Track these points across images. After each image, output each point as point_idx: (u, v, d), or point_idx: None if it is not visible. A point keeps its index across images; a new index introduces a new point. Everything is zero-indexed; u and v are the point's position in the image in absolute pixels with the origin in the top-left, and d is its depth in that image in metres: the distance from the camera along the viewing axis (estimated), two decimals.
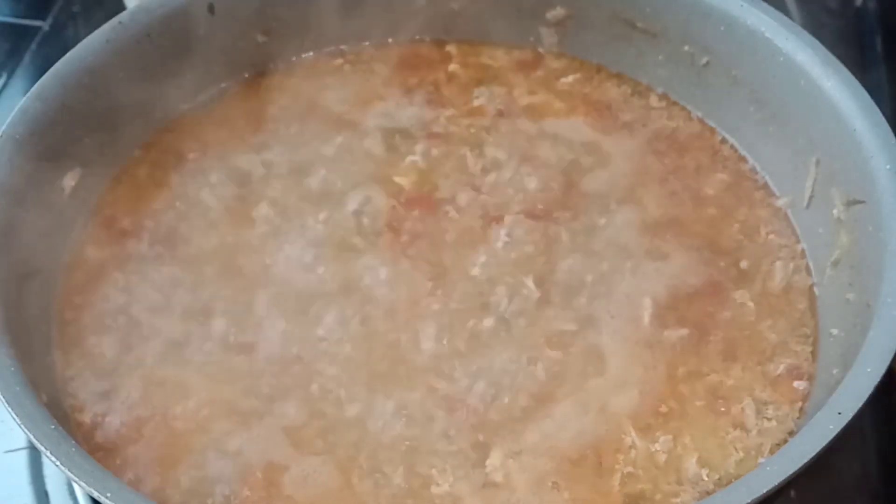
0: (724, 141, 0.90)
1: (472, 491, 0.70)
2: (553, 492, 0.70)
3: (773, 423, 0.73)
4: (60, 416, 0.69)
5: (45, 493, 0.80)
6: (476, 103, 0.93)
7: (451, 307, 0.79)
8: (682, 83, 0.92)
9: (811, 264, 0.82)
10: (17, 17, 1.15)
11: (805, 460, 0.62)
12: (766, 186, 0.87)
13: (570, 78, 0.95)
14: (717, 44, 0.88)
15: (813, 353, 0.77)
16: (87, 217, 0.85)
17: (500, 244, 0.82)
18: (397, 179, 0.87)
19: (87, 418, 0.74)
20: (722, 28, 0.87)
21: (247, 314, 0.79)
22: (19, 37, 1.12)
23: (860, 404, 0.64)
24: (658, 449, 0.72)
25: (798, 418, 0.74)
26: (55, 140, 0.80)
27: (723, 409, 0.74)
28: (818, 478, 0.79)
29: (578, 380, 0.75)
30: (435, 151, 0.89)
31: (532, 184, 0.86)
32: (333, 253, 0.82)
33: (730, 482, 0.70)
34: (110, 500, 0.61)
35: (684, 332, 0.78)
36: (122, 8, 0.89)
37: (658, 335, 0.77)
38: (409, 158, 0.88)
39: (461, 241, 0.83)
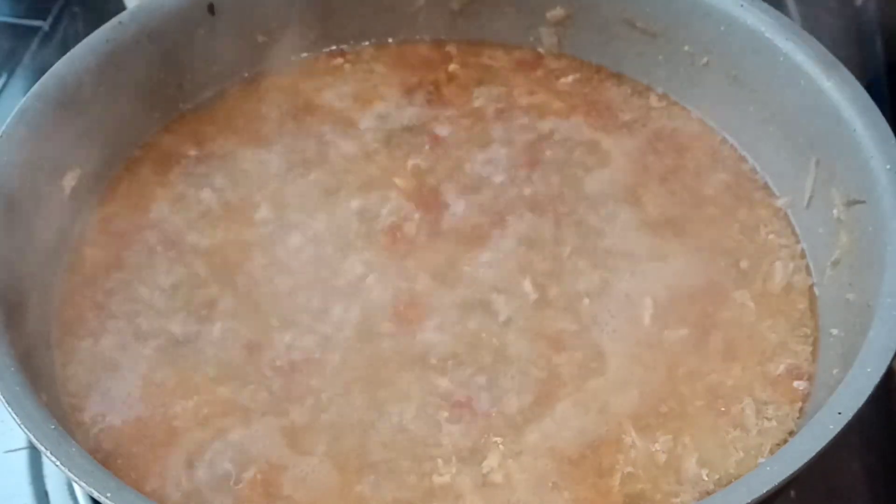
0: (724, 141, 0.90)
1: (471, 490, 0.70)
2: (553, 492, 0.70)
3: (773, 423, 0.73)
4: (60, 416, 0.69)
5: (45, 493, 0.80)
6: (476, 103, 0.93)
7: (451, 307, 0.79)
8: (682, 83, 0.92)
9: (811, 264, 0.82)
10: (17, 17, 1.15)
11: (805, 460, 0.62)
12: (766, 186, 0.87)
13: (570, 78, 0.94)
14: (717, 44, 0.88)
15: (813, 353, 0.77)
16: (87, 217, 0.85)
17: (500, 244, 0.82)
18: (397, 180, 0.87)
19: (87, 418, 0.74)
20: (722, 28, 0.87)
21: (247, 314, 0.79)
22: (19, 37, 1.12)
23: (860, 404, 0.64)
24: (658, 449, 0.72)
25: (798, 418, 0.74)
26: (55, 140, 0.80)
27: (723, 409, 0.74)
28: (818, 478, 0.79)
29: (578, 380, 0.75)
30: (435, 152, 0.89)
31: (532, 184, 0.86)
32: (334, 253, 0.82)
33: (730, 482, 0.70)
34: (110, 500, 0.61)
35: (684, 332, 0.78)
36: (122, 8, 0.89)
37: (658, 335, 0.77)
38: (409, 159, 0.88)
39: (461, 242, 0.83)
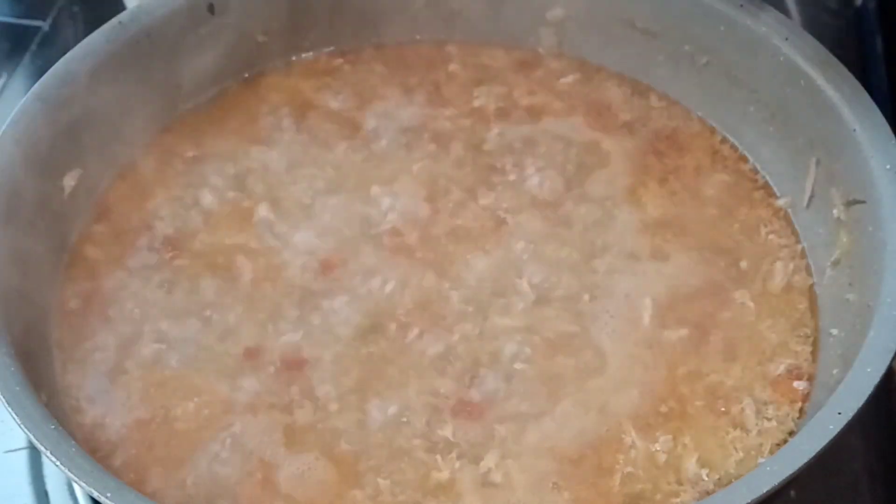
0: (724, 141, 0.90)
1: (471, 490, 0.70)
2: (553, 492, 0.70)
3: (773, 423, 0.73)
4: (60, 417, 0.69)
5: (45, 493, 0.80)
6: (476, 103, 0.93)
7: (451, 307, 0.79)
8: (682, 83, 0.92)
9: (811, 264, 0.82)
10: (17, 17, 1.15)
11: (805, 460, 0.62)
12: (766, 186, 0.87)
13: (570, 78, 0.94)
14: (717, 44, 0.88)
15: (813, 353, 0.77)
16: (87, 217, 0.85)
17: (500, 244, 0.82)
18: (397, 180, 0.87)
19: (87, 418, 0.74)
20: (722, 28, 0.87)
21: (247, 314, 0.79)
22: (19, 37, 1.12)
23: (860, 404, 0.64)
24: (658, 449, 0.72)
25: (798, 418, 0.74)
26: (55, 140, 0.80)
27: (723, 409, 0.74)
28: (818, 478, 0.79)
29: (578, 380, 0.75)
30: (435, 152, 0.89)
31: (532, 184, 0.86)
32: (333, 253, 0.82)
33: (730, 482, 0.69)
34: (110, 501, 0.61)
35: (684, 332, 0.78)
36: (122, 8, 0.89)
37: (658, 335, 0.77)
38: (409, 159, 0.88)
39: (462, 242, 0.83)
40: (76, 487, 0.80)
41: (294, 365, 0.76)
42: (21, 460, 0.82)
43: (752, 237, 0.84)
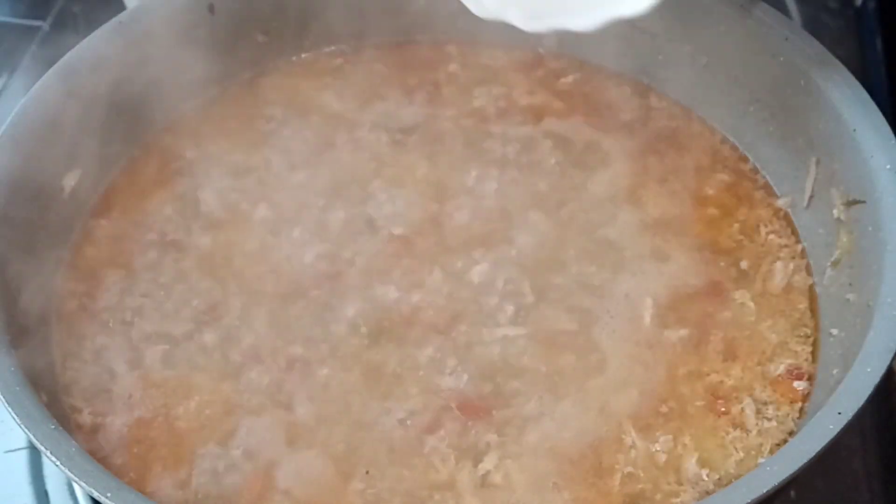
0: (724, 141, 0.90)
1: (471, 490, 0.70)
2: (553, 492, 0.70)
3: (773, 423, 0.73)
4: (60, 417, 0.69)
5: (45, 493, 0.80)
6: (476, 103, 0.93)
7: (452, 307, 0.79)
8: (682, 83, 0.92)
9: (811, 264, 0.82)
10: (17, 17, 1.15)
11: (805, 460, 0.62)
12: (766, 186, 0.87)
13: (570, 78, 0.95)
14: (717, 44, 0.88)
15: (813, 353, 0.77)
16: (87, 217, 0.85)
17: (500, 245, 0.82)
18: (398, 180, 0.87)
19: (87, 418, 0.74)
20: (722, 28, 0.87)
21: (247, 314, 0.79)
22: (19, 37, 1.12)
23: (860, 404, 0.64)
24: (658, 449, 0.72)
25: (798, 418, 0.74)
26: (55, 140, 0.80)
27: (723, 409, 0.74)
28: (818, 478, 0.79)
29: (578, 380, 0.75)
30: (435, 152, 0.89)
31: (532, 184, 0.86)
32: (334, 253, 0.82)
33: (730, 482, 0.70)
34: (110, 500, 0.61)
35: (684, 332, 0.78)
36: (122, 8, 0.89)
37: (658, 335, 0.77)
38: (410, 159, 0.88)
39: (462, 242, 0.83)
40: (76, 487, 0.80)
41: (295, 364, 0.76)
42: (21, 460, 0.82)
43: (752, 237, 0.84)
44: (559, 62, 0.96)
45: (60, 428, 0.65)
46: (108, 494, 0.61)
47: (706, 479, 0.71)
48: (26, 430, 0.64)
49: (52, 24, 1.13)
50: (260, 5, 0.92)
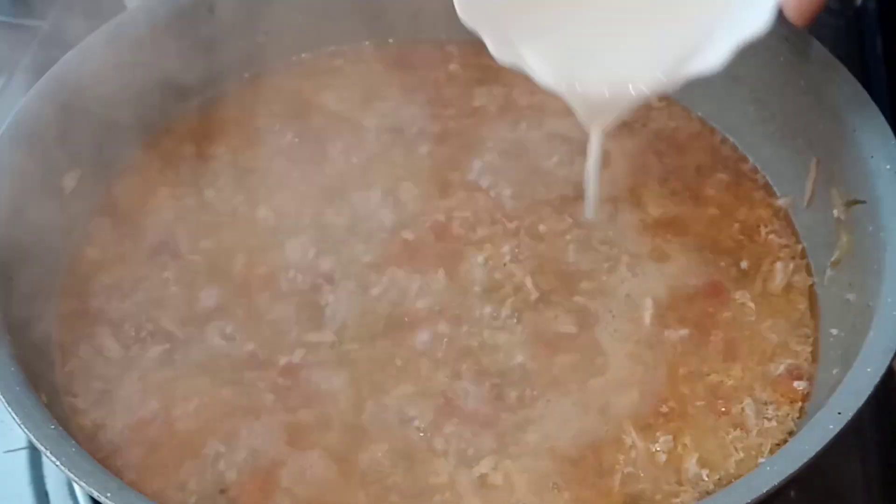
0: (724, 141, 0.90)
1: (471, 491, 0.70)
2: (553, 492, 0.70)
3: (773, 423, 0.73)
4: (60, 417, 0.69)
5: (45, 493, 0.80)
6: (476, 103, 0.93)
7: (452, 307, 0.79)
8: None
9: (811, 264, 0.82)
10: (17, 17, 1.15)
11: (805, 460, 0.62)
12: (766, 186, 0.87)
13: None
14: None
15: (813, 353, 0.77)
16: (87, 217, 0.85)
17: (501, 244, 0.82)
18: (398, 180, 0.87)
19: (87, 419, 0.74)
20: None
21: (248, 314, 0.79)
22: (19, 37, 1.11)
23: (860, 404, 0.64)
24: (658, 449, 0.72)
25: (798, 418, 0.74)
26: (55, 140, 0.80)
27: (723, 409, 0.74)
28: (818, 478, 0.79)
29: (578, 380, 0.75)
30: (436, 152, 0.89)
31: (532, 184, 0.86)
32: (335, 253, 0.82)
33: (730, 482, 0.70)
34: (110, 501, 0.61)
35: (685, 332, 0.78)
36: (122, 8, 0.89)
37: (658, 335, 0.77)
38: (410, 159, 0.88)
39: (462, 242, 0.83)
40: (76, 487, 0.80)
41: (294, 364, 0.76)
42: (21, 460, 0.82)
43: (752, 237, 0.84)
44: None
45: (60, 428, 0.65)
46: (108, 495, 0.61)
47: (706, 479, 0.71)
48: (26, 431, 0.64)
49: (52, 24, 1.13)
50: (260, 5, 0.92)
